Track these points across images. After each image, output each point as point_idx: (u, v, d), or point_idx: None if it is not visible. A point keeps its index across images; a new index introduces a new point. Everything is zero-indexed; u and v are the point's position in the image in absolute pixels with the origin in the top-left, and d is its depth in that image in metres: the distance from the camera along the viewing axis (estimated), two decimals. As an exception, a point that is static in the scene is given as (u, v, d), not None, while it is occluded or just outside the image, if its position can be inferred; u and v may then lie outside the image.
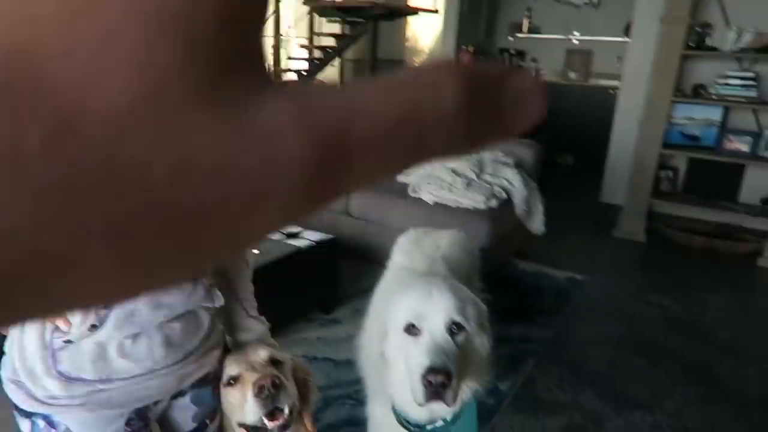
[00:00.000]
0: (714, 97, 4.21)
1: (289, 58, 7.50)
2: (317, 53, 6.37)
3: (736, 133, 4.28)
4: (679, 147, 4.39)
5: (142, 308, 0.96)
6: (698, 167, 4.52)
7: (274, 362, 1.19)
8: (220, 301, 1.09)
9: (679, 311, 3.32)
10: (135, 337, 0.97)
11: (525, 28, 7.32)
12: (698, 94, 4.29)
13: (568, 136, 6.79)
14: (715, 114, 4.30)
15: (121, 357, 0.96)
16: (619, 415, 2.36)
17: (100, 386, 0.95)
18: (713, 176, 4.49)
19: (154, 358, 0.99)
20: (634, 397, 2.49)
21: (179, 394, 1.08)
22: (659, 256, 4.23)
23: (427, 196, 3.41)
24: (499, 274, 3.50)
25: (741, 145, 4.25)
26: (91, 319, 0.93)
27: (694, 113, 4.32)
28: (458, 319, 1.23)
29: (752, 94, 4.09)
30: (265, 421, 1.10)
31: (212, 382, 1.13)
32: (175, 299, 1.01)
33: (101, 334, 0.94)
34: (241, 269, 1.22)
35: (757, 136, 4.21)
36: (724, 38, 4.16)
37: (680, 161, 4.60)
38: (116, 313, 0.94)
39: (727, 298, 3.55)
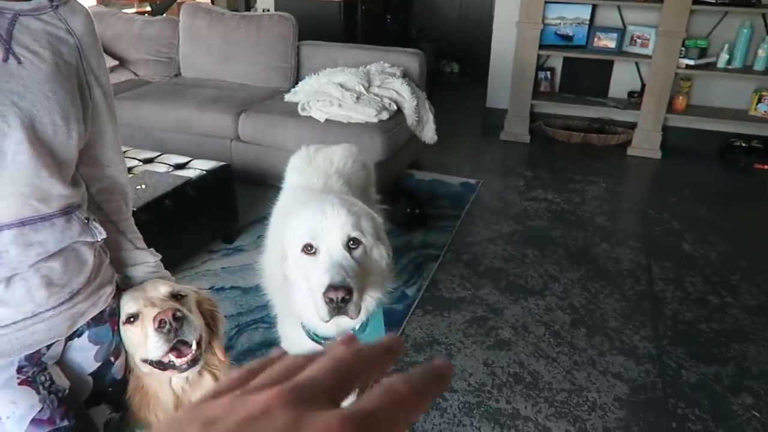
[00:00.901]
0: (583, -5, 4.37)
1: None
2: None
3: (604, 31, 4.50)
4: (555, 47, 4.56)
5: (9, 248, 0.87)
6: (572, 66, 4.74)
7: (175, 297, 1.15)
8: (101, 234, 1.01)
9: (562, 203, 3.59)
10: (8, 280, 0.89)
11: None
12: (569, -7, 4.42)
13: (452, 45, 6.82)
14: (584, 12, 4.47)
15: None
16: (516, 303, 2.57)
17: None
18: (586, 74, 4.74)
19: (36, 301, 0.92)
20: (527, 285, 2.71)
21: (75, 334, 1.03)
22: (542, 155, 4.49)
23: (318, 114, 3.34)
24: (395, 186, 3.58)
25: (608, 41, 4.49)
26: None
27: (566, 13, 4.47)
28: (354, 234, 1.23)
29: (617, -10, 4.29)
30: (173, 358, 1.07)
31: (109, 319, 1.09)
32: (47, 236, 0.92)
33: None
34: (117, 201, 1.14)
35: (621, 32, 4.46)
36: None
37: (556, 61, 4.79)
38: None
39: (602, 187, 3.88)
